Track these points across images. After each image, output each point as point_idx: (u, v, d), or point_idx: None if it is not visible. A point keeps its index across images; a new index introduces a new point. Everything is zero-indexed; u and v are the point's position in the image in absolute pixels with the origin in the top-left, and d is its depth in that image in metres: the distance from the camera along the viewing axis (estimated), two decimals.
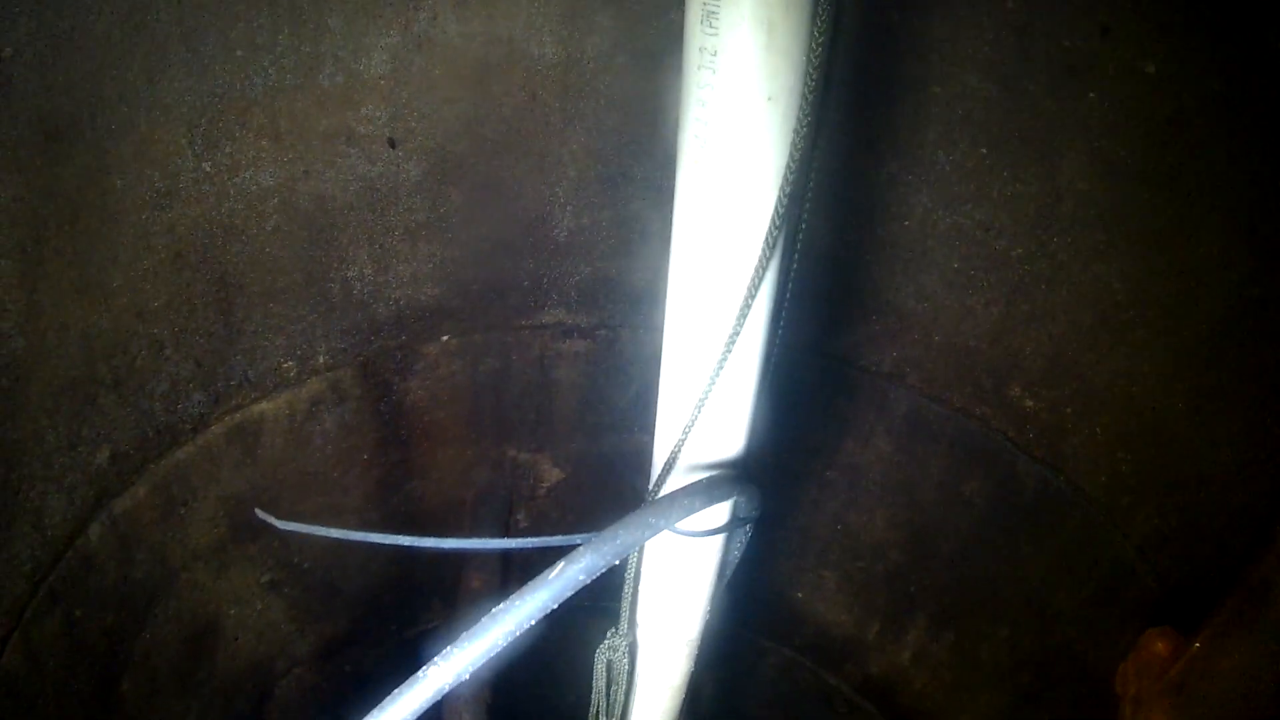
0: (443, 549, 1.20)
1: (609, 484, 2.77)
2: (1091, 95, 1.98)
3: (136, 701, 2.30)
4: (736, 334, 0.90)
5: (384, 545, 2.75)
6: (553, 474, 2.82)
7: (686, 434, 1.00)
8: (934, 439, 2.51)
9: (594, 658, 1.46)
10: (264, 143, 1.98)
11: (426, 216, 2.23)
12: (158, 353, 2.04)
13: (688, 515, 0.92)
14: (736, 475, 1.05)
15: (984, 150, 2.17)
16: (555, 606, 0.94)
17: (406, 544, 1.23)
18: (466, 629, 0.92)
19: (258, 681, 2.68)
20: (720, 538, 1.21)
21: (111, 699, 2.22)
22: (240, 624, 2.56)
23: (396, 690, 0.92)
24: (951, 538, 2.60)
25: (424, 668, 0.92)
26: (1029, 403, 2.36)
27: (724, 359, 0.92)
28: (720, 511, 1.16)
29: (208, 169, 1.93)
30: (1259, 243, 1.85)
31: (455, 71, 2.07)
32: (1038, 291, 2.24)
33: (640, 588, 1.34)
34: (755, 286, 0.87)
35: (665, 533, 1.21)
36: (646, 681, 1.54)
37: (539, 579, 0.90)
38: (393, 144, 2.11)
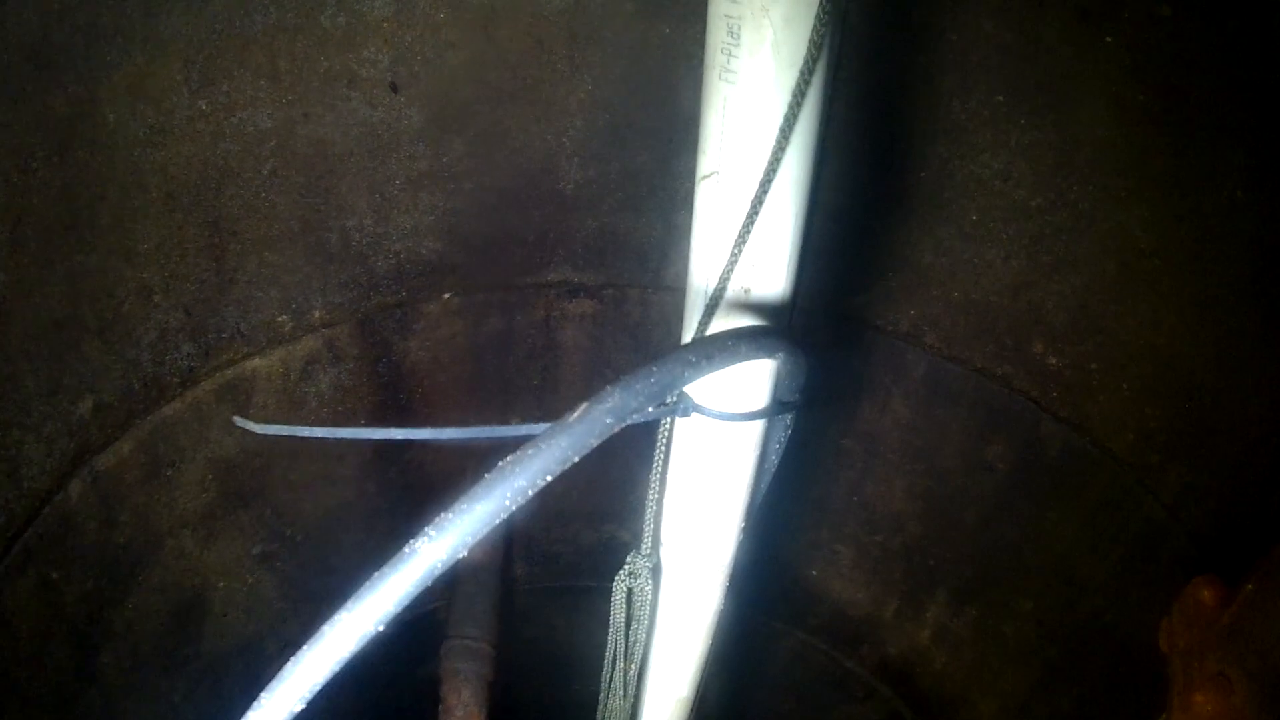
0: (420, 439, 1.09)
1: (617, 453, 2.65)
2: (1108, 40, 1.94)
3: (117, 675, 2.17)
4: (781, 152, 0.82)
5: (380, 519, 2.63)
6: None
7: (727, 278, 0.91)
8: (954, 401, 2.42)
9: (612, 587, 1.35)
10: (262, 82, 1.92)
11: (429, 165, 2.16)
12: (146, 298, 1.95)
13: (733, 362, 0.82)
14: (784, 332, 0.96)
15: (1000, 97, 2.12)
16: (577, 459, 0.81)
17: (379, 437, 1.14)
18: (464, 491, 0.78)
19: (248, 662, 2.54)
20: (759, 428, 1.11)
21: (90, 670, 2.10)
22: (229, 599, 2.44)
23: (379, 572, 0.78)
24: (973, 506, 2.50)
25: (413, 542, 0.78)
26: (1052, 360, 2.28)
27: (769, 178, 0.83)
28: (759, 392, 1.07)
29: (203, 107, 1.87)
30: None
31: (460, 15, 2.02)
32: (1058, 242, 2.17)
33: (666, 495, 1.24)
34: (801, 93, 0.80)
35: (697, 419, 1.12)
36: (671, 618, 1.42)
37: (558, 424, 0.78)
38: (395, 88, 2.05)
